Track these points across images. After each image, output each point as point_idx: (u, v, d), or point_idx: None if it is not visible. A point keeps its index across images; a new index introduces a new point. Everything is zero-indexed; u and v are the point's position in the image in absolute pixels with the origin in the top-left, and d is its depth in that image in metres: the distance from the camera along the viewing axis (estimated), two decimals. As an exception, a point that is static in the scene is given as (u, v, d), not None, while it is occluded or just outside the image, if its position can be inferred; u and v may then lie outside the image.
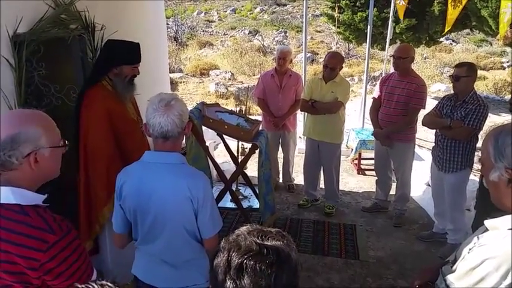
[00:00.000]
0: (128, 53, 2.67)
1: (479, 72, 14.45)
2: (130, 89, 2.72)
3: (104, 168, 2.63)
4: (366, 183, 5.45)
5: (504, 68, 16.18)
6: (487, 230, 1.26)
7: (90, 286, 0.71)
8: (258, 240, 0.97)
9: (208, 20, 26.20)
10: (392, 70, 4.34)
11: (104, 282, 0.71)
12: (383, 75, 4.90)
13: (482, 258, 1.15)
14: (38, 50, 2.70)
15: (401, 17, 5.34)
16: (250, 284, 0.91)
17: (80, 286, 0.71)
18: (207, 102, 4.03)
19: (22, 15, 2.44)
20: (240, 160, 4.30)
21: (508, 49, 16.32)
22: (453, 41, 21.46)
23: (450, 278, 1.25)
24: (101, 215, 2.71)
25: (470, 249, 1.22)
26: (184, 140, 3.70)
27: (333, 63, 4.11)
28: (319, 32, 22.02)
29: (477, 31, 10.76)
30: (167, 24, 20.19)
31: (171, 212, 1.78)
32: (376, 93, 4.29)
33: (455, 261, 1.30)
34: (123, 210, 1.87)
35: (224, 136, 4.13)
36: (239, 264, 0.93)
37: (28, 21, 2.52)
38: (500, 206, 1.24)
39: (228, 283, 0.92)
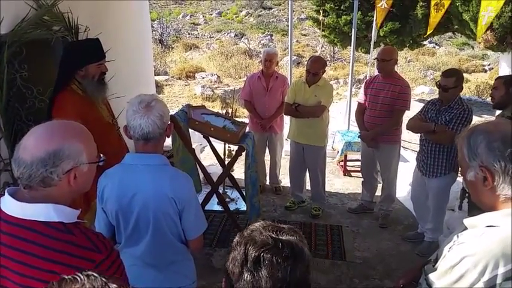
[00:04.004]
0: (89, 51, 2.55)
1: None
2: (101, 89, 2.60)
3: None
4: (352, 185, 5.49)
5: (486, 71, 16.51)
6: (466, 228, 1.28)
7: (76, 276, 0.69)
8: (273, 235, 0.99)
9: (193, 23, 26.13)
10: (376, 72, 4.38)
11: (89, 272, 0.70)
12: (367, 78, 4.94)
13: (461, 256, 1.17)
14: (20, 51, 2.66)
15: (379, 21, 5.40)
16: (268, 275, 0.93)
17: (67, 277, 0.70)
18: (193, 105, 4.01)
19: (3, 16, 2.39)
20: (226, 162, 4.29)
21: (489, 52, 16.65)
22: (436, 44, 21.81)
23: (431, 277, 1.26)
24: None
25: (450, 247, 1.23)
26: (170, 143, 3.72)
27: (316, 69, 4.13)
28: (305, 35, 22.17)
29: (459, 34, 10.98)
30: (152, 27, 20.08)
31: (153, 213, 1.76)
32: (361, 96, 4.33)
33: (436, 260, 1.32)
34: (106, 213, 1.85)
35: (210, 138, 4.12)
36: (256, 257, 0.95)
37: (9, 22, 2.48)
38: (480, 205, 1.27)
39: (246, 275, 0.95)
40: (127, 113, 1.77)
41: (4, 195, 1.22)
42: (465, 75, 14.66)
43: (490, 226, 1.19)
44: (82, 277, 0.68)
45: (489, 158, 1.19)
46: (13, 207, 1.19)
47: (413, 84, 13.40)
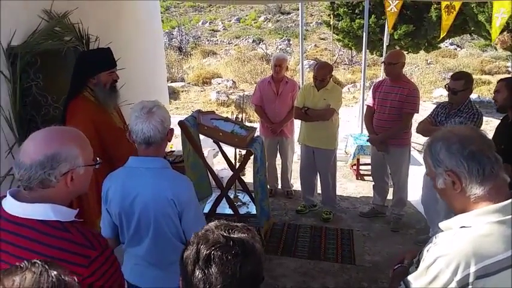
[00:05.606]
0: (100, 60, 2.65)
1: (484, 77, 14.47)
2: (113, 96, 2.70)
3: (94, 181, 2.62)
4: (365, 189, 5.47)
5: (509, 73, 16.06)
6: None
7: (22, 264, 0.75)
8: (224, 234, 1.05)
9: (213, 30, 26.39)
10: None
11: (34, 260, 0.76)
12: (375, 82, 4.94)
13: (435, 257, 1.19)
14: (35, 61, 2.77)
15: (390, 24, 5.40)
16: (218, 272, 0.98)
17: (18, 264, 0.76)
18: (203, 110, 4.09)
19: (16, 28, 2.52)
20: (237, 167, 4.34)
21: (515, 53, 16.24)
22: (457, 46, 21.41)
23: (409, 277, 1.29)
24: (95, 226, 2.73)
25: (427, 250, 1.26)
26: (181, 148, 3.80)
27: (322, 75, 4.17)
28: (323, 39, 22.10)
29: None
30: (172, 34, 20.45)
31: (154, 214, 1.83)
32: (369, 100, 4.34)
33: (418, 261, 1.34)
34: (110, 214, 1.93)
35: (221, 143, 4.18)
36: (207, 255, 1.00)
37: (22, 33, 2.60)
38: (454, 210, 1.29)
39: (197, 273, 1.00)
40: (130, 119, 1.86)
41: (6, 196, 1.32)
42: (487, 77, 14.47)
43: (463, 227, 1.22)
44: (27, 264, 0.74)
45: (452, 161, 1.23)
46: (14, 207, 1.28)
47: (431, 86, 13.20)
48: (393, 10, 4.96)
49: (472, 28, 7.68)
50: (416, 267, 1.33)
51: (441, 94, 11.50)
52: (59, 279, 0.71)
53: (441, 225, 1.30)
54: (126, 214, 1.88)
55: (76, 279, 0.77)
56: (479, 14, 6.49)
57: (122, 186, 1.86)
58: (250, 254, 1.03)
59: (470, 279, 1.13)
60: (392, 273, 1.53)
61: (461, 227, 1.22)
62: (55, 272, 0.72)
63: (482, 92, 12.28)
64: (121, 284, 1.41)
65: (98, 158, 1.44)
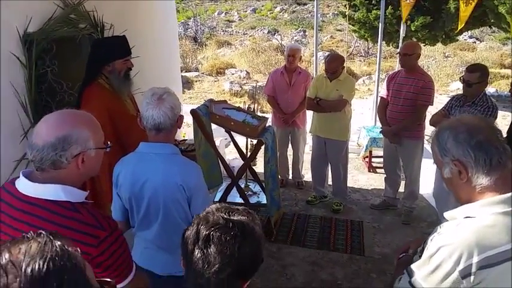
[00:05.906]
0: (115, 48, 2.68)
1: (503, 71, 14.16)
2: (126, 83, 2.73)
3: (107, 165, 2.63)
4: (377, 181, 5.44)
5: (529, 67, 15.69)
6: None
7: (29, 235, 0.79)
8: (225, 216, 1.08)
9: (228, 20, 26.35)
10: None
11: (40, 231, 0.80)
12: (389, 73, 4.88)
13: (438, 246, 1.19)
14: (51, 48, 2.82)
15: (405, 15, 5.30)
16: (216, 252, 1.01)
17: (25, 234, 0.80)
18: (215, 99, 4.11)
19: (32, 15, 2.57)
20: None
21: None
22: (477, 38, 20.97)
23: (412, 266, 1.29)
24: (107, 209, 2.79)
25: (431, 239, 1.26)
26: (193, 137, 3.84)
27: (334, 68, 4.16)
28: (340, 30, 21.91)
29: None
30: (187, 24, 20.49)
31: (163, 199, 1.86)
32: (383, 91, 4.30)
33: (422, 250, 1.34)
34: (120, 198, 1.97)
35: (233, 133, 4.20)
36: (206, 235, 1.03)
37: (38, 20, 2.65)
38: (460, 200, 1.28)
39: (196, 252, 1.04)
40: (141, 105, 1.90)
41: (20, 177, 1.36)
42: (507, 71, 14.16)
43: (468, 217, 1.21)
44: (33, 234, 0.78)
45: (458, 150, 1.22)
46: (27, 187, 1.32)
47: (448, 79, 13.01)
48: (408, 1, 4.87)
49: (492, 20, 7.49)
50: (420, 256, 1.33)
51: (458, 87, 11.32)
52: (62, 249, 0.75)
53: (446, 214, 1.29)
54: (136, 199, 1.91)
55: (79, 251, 0.80)
56: (500, 6, 6.31)
57: (132, 171, 1.89)
58: (249, 236, 1.06)
59: (473, 270, 1.13)
60: (396, 261, 1.53)
61: (465, 217, 1.21)
62: (59, 243, 0.76)
63: (501, 87, 12.05)
64: (129, 264, 1.45)
65: (108, 142, 1.47)
